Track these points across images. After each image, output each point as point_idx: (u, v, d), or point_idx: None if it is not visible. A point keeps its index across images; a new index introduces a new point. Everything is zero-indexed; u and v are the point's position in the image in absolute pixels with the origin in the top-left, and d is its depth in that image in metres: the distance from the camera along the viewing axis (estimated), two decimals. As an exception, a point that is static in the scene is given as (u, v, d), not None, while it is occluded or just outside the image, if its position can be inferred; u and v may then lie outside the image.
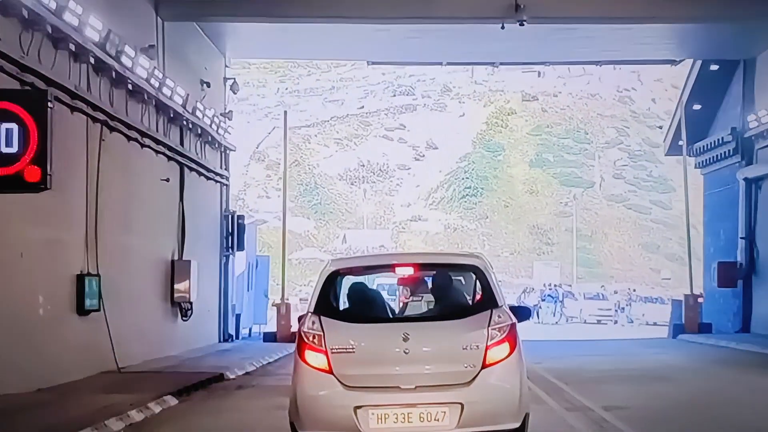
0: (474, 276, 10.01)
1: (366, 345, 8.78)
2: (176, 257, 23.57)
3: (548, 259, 78.67)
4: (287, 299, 30.75)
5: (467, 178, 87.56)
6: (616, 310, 53.20)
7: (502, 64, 35.14)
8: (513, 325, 8.84)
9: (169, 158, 22.97)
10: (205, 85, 26.19)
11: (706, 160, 34.18)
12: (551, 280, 57.92)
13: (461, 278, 12.32)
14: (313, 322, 8.83)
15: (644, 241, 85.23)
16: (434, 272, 10.02)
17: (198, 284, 24.31)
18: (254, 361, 22.03)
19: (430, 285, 10.49)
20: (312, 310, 9.03)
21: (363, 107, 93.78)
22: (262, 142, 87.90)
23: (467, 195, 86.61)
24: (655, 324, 51.02)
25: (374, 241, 79.54)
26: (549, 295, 52.34)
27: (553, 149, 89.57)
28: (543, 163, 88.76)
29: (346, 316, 9.14)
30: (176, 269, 23.41)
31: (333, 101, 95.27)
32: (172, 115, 22.82)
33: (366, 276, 13.44)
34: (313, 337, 8.75)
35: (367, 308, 9.30)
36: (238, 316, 30.87)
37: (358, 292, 9.53)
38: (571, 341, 32.45)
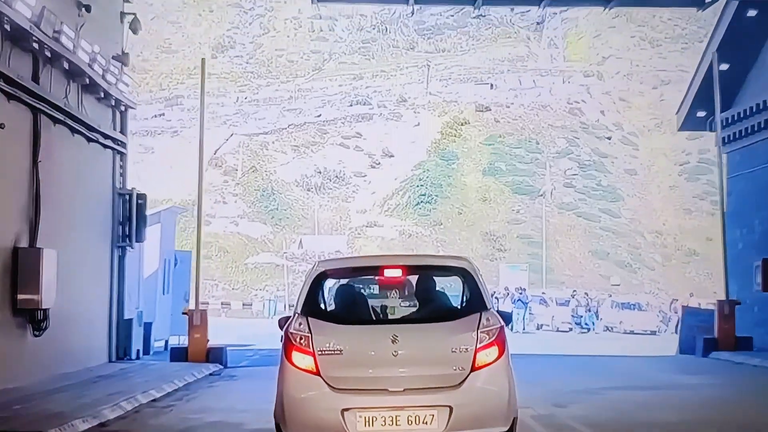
0: (461, 278, 8.37)
1: (354, 347, 7.76)
2: (23, 244, 14.18)
3: (502, 264, 70.01)
4: (205, 304, 21.42)
5: (422, 185, 78.63)
6: (587, 317, 44.26)
7: (487, 3, 24.46)
8: (502, 328, 7.90)
9: (7, 95, 13.58)
10: (83, 9, 16.67)
11: (732, 135, 24.79)
12: (518, 285, 47.63)
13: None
14: (300, 324, 7.83)
15: (594, 248, 76.76)
16: (420, 274, 8.56)
17: (62, 284, 14.91)
18: (133, 396, 12.85)
19: (415, 287, 8.77)
20: (299, 311, 7.98)
21: (320, 115, 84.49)
22: (220, 148, 78.31)
23: (422, 202, 77.66)
24: (632, 332, 42.55)
25: (330, 247, 70.64)
26: (519, 300, 42.14)
27: (505, 158, 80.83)
28: (495, 171, 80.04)
29: (334, 318, 8.12)
30: (21, 262, 14.00)
31: (291, 110, 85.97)
32: (9, 29, 13.45)
33: (359, 280, 10.54)
34: (301, 339, 7.74)
35: (354, 310, 8.26)
36: (147, 326, 21.52)
37: (345, 294, 8.44)
38: (564, 358, 23.46)
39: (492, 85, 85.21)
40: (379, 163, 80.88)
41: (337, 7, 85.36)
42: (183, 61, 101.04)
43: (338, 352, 7.70)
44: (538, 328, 43.71)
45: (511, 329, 39.76)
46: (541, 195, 77.40)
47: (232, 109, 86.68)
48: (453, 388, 7.60)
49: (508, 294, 43.75)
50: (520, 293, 43.44)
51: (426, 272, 8.58)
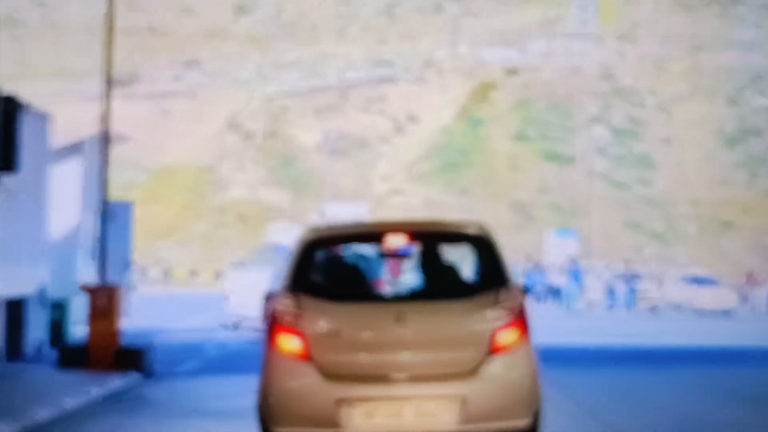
0: (476, 248, 7.06)
1: (351, 327, 6.52)
2: None
3: (529, 235, 64.85)
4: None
5: (448, 151, 73.22)
6: (627, 293, 37.78)
7: None
8: (523, 305, 6.65)
9: None
10: None
11: None
12: (569, 253, 40.39)
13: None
14: (288, 300, 6.60)
15: (626, 218, 71.22)
16: (428, 243, 7.13)
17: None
18: None
19: (421, 258, 7.31)
20: (286, 285, 6.70)
21: (343, 79, 78.91)
22: (239, 112, 73.05)
23: (447, 169, 72.18)
24: (708, 312, 35.75)
25: (352, 214, 65.61)
26: (574, 273, 35.15)
27: (534, 124, 75.10)
28: (525, 138, 74.33)
29: (327, 294, 6.77)
30: None
31: (313, 74, 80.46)
32: None
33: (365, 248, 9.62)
34: (288, 318, 6.48)
35: (352, 285, 7.03)
36: (58, 309, 15.35)
37: (340, 266, 7.31)
38: (632, 349, 18.84)
39: (522, 48, 79.27)
40: (404, 128, 75.37)
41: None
42: (204, 23, 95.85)
43: (333, 333, 6.53)
44: (589, 306, 37.19)
45: (567, 306, 34.62)
46: (571, 162, 71.85)
47: (253, 73, 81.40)
48: (466, 376, 6.43)
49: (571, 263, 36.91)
50: (572, 265, 36.21)
51: (434, 240, 7.21)
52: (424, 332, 6.49)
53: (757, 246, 68.16)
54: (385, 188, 72.10)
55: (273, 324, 6.57)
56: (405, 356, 6.45)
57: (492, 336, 6.47)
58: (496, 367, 6.44)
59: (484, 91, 76.96)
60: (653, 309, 36.51)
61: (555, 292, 36.54)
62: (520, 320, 6.57)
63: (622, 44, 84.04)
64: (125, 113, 73.12)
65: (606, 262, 47.50)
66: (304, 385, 6.40)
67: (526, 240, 65.58)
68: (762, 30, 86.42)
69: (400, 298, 7.73)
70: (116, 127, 74.31)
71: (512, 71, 77.95)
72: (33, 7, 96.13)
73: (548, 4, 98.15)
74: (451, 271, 7.14)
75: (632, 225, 70.60)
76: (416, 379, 6.37)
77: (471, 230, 7.15)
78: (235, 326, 21.53)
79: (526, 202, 70.65)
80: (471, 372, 6.41)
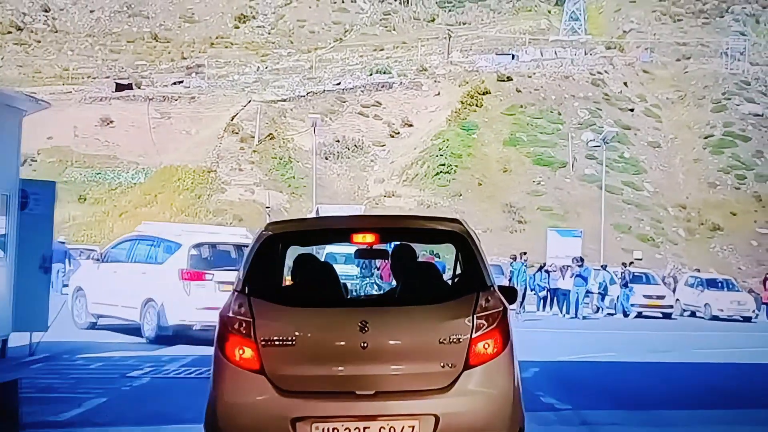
0: (454, 246, 6.28)
1: (310, 336, 5.63)
2: None
3: (521, 237, 64.41)
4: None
5: (441, 155, 72.72)
6: (622, 296, 33.55)
7: None
8: (505, 312, 5.79)
9: None
10: None
11: None
12: (572, 254, 35.84)
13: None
14: (240, 305, 5.69)
15: (616, 222, 70.71)
16: (399, 241, 6.63)
17: None
18: None
19: (391, 258, 6.74)
20: (238, 288, 5.80)
21: (339, 83, 78.51)
22: (237, 115, 72.58)
23: (441, 172, 71.77)
24: (735, 319, 31.92)
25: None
26: (579, 276, 30.90)
27: (526, 129, 74.69)
28: (517, 142, 73.92)
29: (285, 298, 5.90)
30: None
31: (311, 78, 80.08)
32: None
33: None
34: (239, 325, 5.61)
35: (313, 287, 6.01)
36: None
37: (302, 266, 6.15)
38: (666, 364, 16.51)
39: (514, 56, 78.92)
40: (399, 133, 74.99)
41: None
42: (205, 31, 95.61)
43: (289, 342, 5.64)
44: (639, 315, 32.61)
45: (567, 312, 30.60)
46: (563, 166, 71.38)
47: (252, 78, 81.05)
48: (441, 392, 5.63)
49: (575, 264, 32.17)
50: (579, 264, 31.88)
51: (408, 238, 6.55)
52: (393, 342, 5.72)
53: (745, 249, 67.76)
54: (379, 191, 71.64)
55: (221, 331, 5.79)
56: (371, 369, 5.64)
57: (470, 346, 5.72)
58: (473, 381, 5.68)
59: (477, 97, 76.58)
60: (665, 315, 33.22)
61: (560, 297, 32.44)
62: (501, 329, 5.82)
63: (611, 51, 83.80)
64: (125, 115, 72.78)
65: (601, 264, 44.92)
66: (256, 401, 5.59)
67: (518, 242, 65.22)
68: (748, 39, 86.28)
69: (367, 303, 7.01)
70: (116, 127, 73.45)
71: (504, 77, 77.59)
72: (38, 13, 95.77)
73: (539, 14, 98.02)
74: (426, 273, 6.42)
75: (622, 228, 70.20)
76: (383, 395, 5.60)
77: (447, 226, 6.33)
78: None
79: (518, 205, 70.19)
80: (445, 387, 5.67)
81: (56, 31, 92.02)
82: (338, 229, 6.68)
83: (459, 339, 5.73)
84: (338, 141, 73.00)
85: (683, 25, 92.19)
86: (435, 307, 5.87)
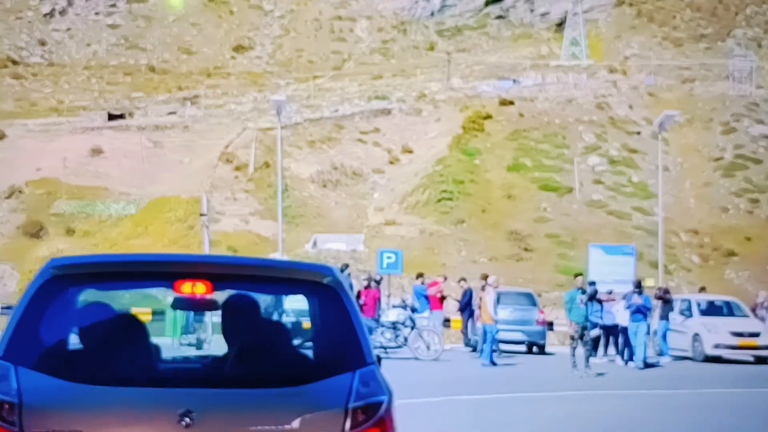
0: (320, 305, 4.01)
1: (105, 430, 3.55)
2: None
3: (528, 266, 57.81)
4: None
5: (443, 182, 66.12)
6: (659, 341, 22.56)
7: None
8: (389, 402, 3.81)
9: None
10: None
11: None
12: (621, 277, 24.44)
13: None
14: (2, 378, 3.61)
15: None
16: (246, 292, 4.05)
17: None
18: None
19: (222, 318, 4.18)
20: (2, 353, 3.66)
21: (337, 110, 72.08)
22: (232, 143, 66.04)
23: (443, 199, 65.07)
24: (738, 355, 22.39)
25: (346, 246, 58.34)
26: (637, 309, 20.35)
27: (530, 153, 68.08)
28: (520, 167, 67.22)
29: (72, 370, 3.67)
30: None
31: (308, 106, 73.69)
32: None
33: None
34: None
35: (115, 354, 3.77)
36: None
37: (101, 321, 3.92)
38: None
39: (515, 80, 72.59)
40: (399, 159, 68.37)
41: (357, 9, 73.77)
42: (202, 62, 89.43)
43: None
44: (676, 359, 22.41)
45: (629, 359, 20.33)
46: (569, 192, 64.63)
47: (249, 107, 74.75)
48: None
49: (634, 292, 20.98)
50: (637, 291, 20.74)
51: (255, 288, 3.97)
52: None
53: (761, 275, 60.79)
54: (379, 219, 64.86)
55: None
56: None
57: None
58: None
59: (478, 122, 70.02)
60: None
61: (617, 336, 21.85)
62: (384, 425, 3.67)
63: (614, 75, 77.45)
64: (116, 145, 66.26)
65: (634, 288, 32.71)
66: None
67: (525, 271, 58.48)
68: (751, 62, 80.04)
69: (192, 381, 3.79)
70: (108, 158, 65.63)
71: (507, 101, 71.09)
72: (35, 47, 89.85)
73: (539, 41, 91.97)
74: (278, 338, 4.03)
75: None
76: None
77: (310, 276, 3.94)
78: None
79: (524, 233, 63.39)
80: None
81: (53, 65, 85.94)
82: (153, 272, 3.94)
83: None
84: (336, 168, 66.33)
85: (684, 50, 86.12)
86: (291, 390, 3.71)
